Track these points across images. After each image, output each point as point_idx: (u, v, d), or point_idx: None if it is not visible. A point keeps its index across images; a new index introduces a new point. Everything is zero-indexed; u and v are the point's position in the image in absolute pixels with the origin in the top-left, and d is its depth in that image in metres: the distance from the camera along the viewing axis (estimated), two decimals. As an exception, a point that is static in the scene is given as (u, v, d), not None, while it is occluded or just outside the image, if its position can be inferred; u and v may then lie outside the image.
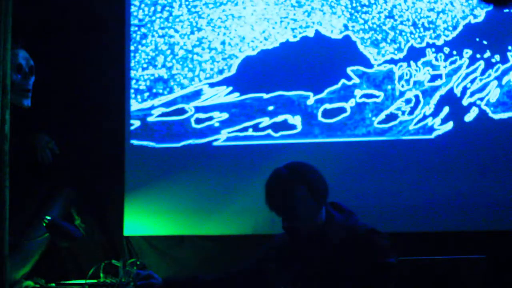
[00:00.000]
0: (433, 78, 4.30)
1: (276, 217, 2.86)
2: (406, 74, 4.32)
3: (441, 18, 4.33)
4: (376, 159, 4.30)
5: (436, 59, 4.30)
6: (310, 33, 4.44)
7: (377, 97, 4.34)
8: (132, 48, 4.59)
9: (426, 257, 2.60)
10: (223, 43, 4.52)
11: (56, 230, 3.58)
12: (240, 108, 4.46)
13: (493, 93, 4.24)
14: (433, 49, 4.32)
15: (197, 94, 4.51)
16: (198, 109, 4.50)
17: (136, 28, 4.61)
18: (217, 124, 4.48)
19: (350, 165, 4.30)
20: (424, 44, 4.33)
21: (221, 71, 4.50)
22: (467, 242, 4.04)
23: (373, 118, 4.33)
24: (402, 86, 4.32)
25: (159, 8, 4.60)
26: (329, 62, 4.40)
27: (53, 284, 3.75)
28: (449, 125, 4.26)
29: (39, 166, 3.83)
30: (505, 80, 4.24)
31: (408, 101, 4.31)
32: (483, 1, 4.16)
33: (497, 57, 4.26)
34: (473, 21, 4.30)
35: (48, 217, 3.56)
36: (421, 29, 4.34)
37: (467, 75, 4.27)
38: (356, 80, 4.36)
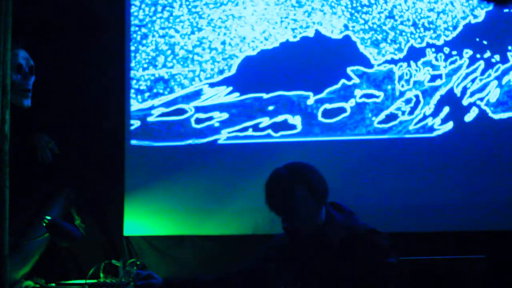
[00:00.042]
0: (433, 78, 4.30)
1: (276, 217, 2.86)
2: (406, 74, 4.32)
3: (441, 18, 4.33)
4: (376, 159, 4.30)
5: (436, 59, 4.30)
6: (310, 33, 4.44)
7: (377, 97, 4.34)
8: (132, 48, 4.59)
9: (426, 257, 2.59)
10: (223, 43, 4.52)
11: (56, 230, 3.58)
12: (240, 108, 4.46)
13: (493, 93, 4.24)
14: (433, 49, 4.32)
15: (197, 94, 4.51)
16: (198, 109, 4.50)
17: (137, 28, 4.60)
18: (217, 124, 4.47)
19: (350, 165, 4.30)
20: (424, 44, 4.33)
21: (221, 71, 4.50)
22: (467, 242, 4.04)
23: (373, 118, 4.33)
24: (402, 86, 4.32)
25: (159, 8, 4.60)
26: (329, 62, 4.40)
27: (53, 284, 3.75)
28: (449, 125, 4.26)
29: (39, 166, 3.83)
30: (505, 80, 4.24)
31: (408, 101, 4.31)
32: (484, 1, 4.16)
33: (497, 57, 4.26)
34: (473, 21, 4.30)
35: (48, 217, 3.56)
36: (421, 29, 4.34)
37: (467, 75, 4.27)
38: (356, 80, 4.36)
